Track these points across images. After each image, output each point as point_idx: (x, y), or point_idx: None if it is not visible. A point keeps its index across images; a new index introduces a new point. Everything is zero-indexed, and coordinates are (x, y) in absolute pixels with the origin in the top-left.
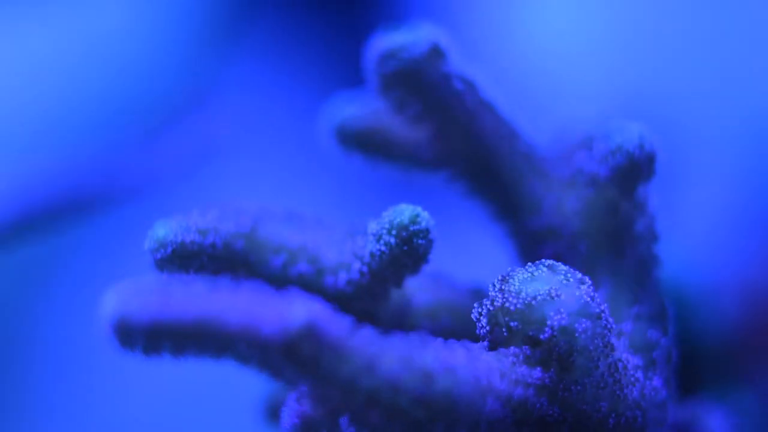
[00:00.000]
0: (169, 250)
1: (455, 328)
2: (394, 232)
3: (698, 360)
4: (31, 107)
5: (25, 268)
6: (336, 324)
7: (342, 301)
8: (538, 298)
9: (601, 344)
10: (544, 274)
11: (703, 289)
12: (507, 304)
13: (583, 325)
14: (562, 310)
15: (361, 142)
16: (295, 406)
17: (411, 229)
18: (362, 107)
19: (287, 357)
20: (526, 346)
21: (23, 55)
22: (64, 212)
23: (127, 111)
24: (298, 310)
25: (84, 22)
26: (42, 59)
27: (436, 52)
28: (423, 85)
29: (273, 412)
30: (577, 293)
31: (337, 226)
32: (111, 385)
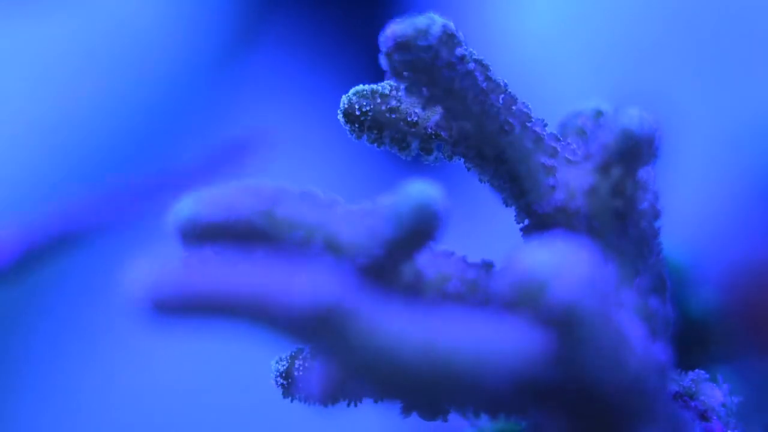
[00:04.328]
0: (193, 227)
1: (464, 300)
2: (407, 208)
3: (683, 339)
4: (52, 102)
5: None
6: (364, 297)
7: (359, 274)
8: (542, 271)
9: (603, 316)
10: (548, 248)
11: (689, 270)
12: (512, 277)
13: (586, 299)
14: (565, 283)
15: (370, 123)
16: (314, 372)
17: (424, 205)
18: (373, 88)
19: (315, 329)
20: (530, 318)
21: (50, 44)
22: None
23: (152, 101)
24: (327, 283)
25: (110, 14)
26: (65, 47)
27: (448, 34)
28: (436, 65)
29: (287, 381)
30: (581, 267)
31: (352, 204)
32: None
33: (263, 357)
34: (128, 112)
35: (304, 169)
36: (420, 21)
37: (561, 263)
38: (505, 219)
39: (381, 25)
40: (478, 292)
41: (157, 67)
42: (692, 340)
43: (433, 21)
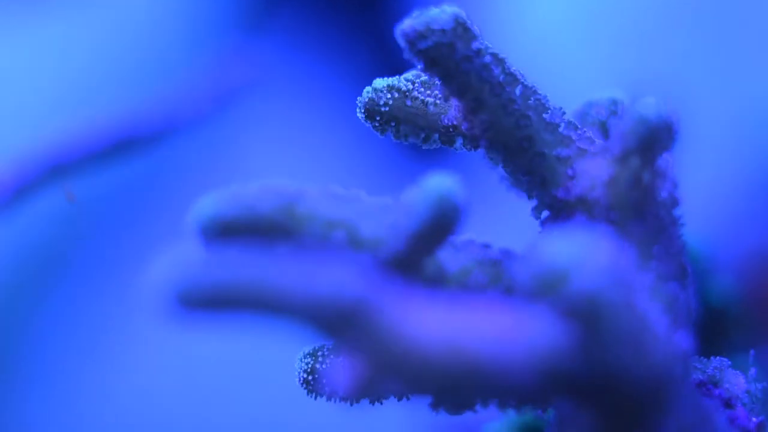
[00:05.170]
0: (215, 225)
1: (486, 292)
2: (428, 201)
3: (703, 327)
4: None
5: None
6: (387, 291)
7: (382, 268)
8: (564, 262)
9: (625, 306)
10: (569, 238)
11: (707, 257)
12: (533, 268)
13: (607, 288)
14: (587, 273)
15: (392, 118)
16: (338, 369)
17: (445, 198)
18: (392, 83)
19: (340, 323)
20: (553, 308)
21: (58, 40)
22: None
23: (155, 94)
24: (351, 277)
25: (117, 7)
26: (75, 35)
27: (463, 27)
28: (452, 59)
29: (311, 378)
30: (602, 257)
31: (372, 199)
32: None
33: (287, 354)
34: (134, 109)
35: (312, 161)
36: (433, 15)
37: (582, 253)
38: (517, 207)
39: (388, 17)
40: (500, 284)
41: (162, 58)
42: (712, 328)
43: (446, 14)
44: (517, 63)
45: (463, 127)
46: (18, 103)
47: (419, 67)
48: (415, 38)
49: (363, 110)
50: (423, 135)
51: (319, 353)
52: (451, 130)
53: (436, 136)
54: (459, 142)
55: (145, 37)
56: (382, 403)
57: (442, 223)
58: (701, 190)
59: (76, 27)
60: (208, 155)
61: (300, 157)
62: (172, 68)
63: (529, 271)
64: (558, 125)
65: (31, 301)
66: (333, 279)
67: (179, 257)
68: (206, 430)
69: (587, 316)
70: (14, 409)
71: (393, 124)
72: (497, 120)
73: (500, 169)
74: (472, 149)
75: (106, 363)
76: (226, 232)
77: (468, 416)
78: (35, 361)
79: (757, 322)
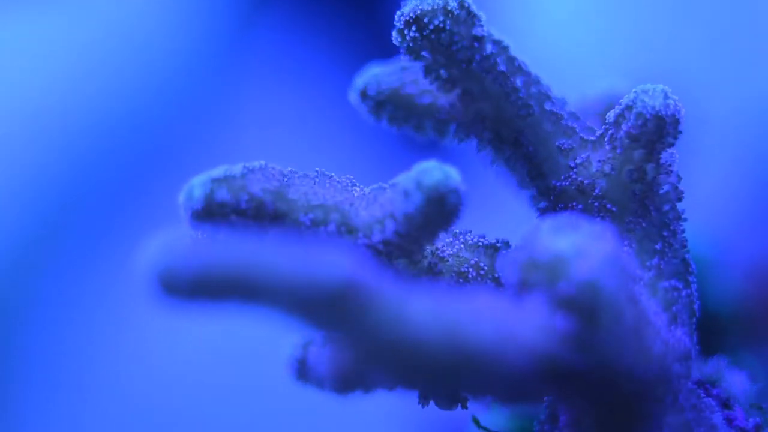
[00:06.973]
0: (204, 206)
1: (483, 281)
2: (424, 190)
3: (705, 327)
4: (55, 88)
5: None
6: (382, 278)
7: (377, 255)
8: (563, 251)
9: (625, 298)
10: (569, 228)
11: (712, 259)
12: (532, 258)
13: (607, 279)
14: (586, 263)
15: (386, 104)
16: (327, 358)
17: (441, 187)
18: (388, 69)
19: (328, 311)
20: (551, 299)
21: (53, 34)
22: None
23: (153, 83)
24: (344, 261)
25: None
26: (66, 37)
27: (467, 12)
28: (453, 45)
29: (302, 367)
30: (602, 247)
31: (366, 186)
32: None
33: (278, 343)
34: (131, 98)
35: (305, 149)
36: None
37: (582, 243)
38: (516, 209)
39: (383, 4)
40: (497, 273)
41: (160, 49)
42: (714, 329)
43: None
44: (524, 52)
45: (458, 114)
46: None
47: (417, 49)
48: (412, 21)
49: (357, 95)
50: (415, 122)
51: (310, 342)
52: (444, 117)
53: (429, 124)
54: (450, 135)
55: (141, 29)
56: (371, 394)
57: (439, 209)
58: (707, 191)
59: (70, 22)
60: (206, 142)
61: (297, 147)
62: (169, 61)
63: (528, 260)
64: (560, 116)
65: (25, 287)
66: (324, 262)
67: (167, 242)
68: (196, 417)
69: (586, 306)
70: (11, 402)
71: (387, 109)
72: (497, 110)
73: (494, 159)
74: (464, 139)
75: (102, 352)
76: (215, 214)
77: (456, 413)
78: (29, 351)
79: (762, 323)
